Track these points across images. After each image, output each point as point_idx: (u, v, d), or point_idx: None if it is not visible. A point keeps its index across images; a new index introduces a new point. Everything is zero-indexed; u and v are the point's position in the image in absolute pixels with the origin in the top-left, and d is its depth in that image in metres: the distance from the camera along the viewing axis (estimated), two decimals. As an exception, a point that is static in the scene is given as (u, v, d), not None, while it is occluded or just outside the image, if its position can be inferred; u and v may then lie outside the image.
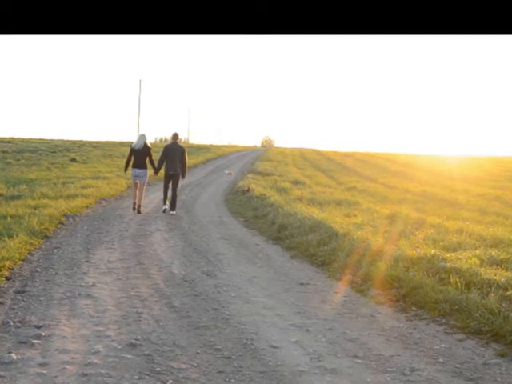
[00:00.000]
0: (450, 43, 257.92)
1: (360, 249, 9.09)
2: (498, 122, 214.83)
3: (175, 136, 15.78)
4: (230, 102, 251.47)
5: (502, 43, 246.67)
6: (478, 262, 7.94)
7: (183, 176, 15.25)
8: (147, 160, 14.90)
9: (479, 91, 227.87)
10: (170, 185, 15.13)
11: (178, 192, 15.43)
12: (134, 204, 14.93)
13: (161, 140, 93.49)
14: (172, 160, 14.88)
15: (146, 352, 5.15)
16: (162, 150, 15.29)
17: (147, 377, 4.62)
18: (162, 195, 15.77)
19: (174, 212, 14.94)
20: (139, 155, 14.75)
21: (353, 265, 8.61)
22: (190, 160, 16.53)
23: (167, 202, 15.21)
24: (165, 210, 15.06)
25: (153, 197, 18.64)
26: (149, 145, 14.96)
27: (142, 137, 15.05)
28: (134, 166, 14.82)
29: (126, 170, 15.60)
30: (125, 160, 15.86)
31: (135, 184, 14.86)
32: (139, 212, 14.71)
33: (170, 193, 15.26)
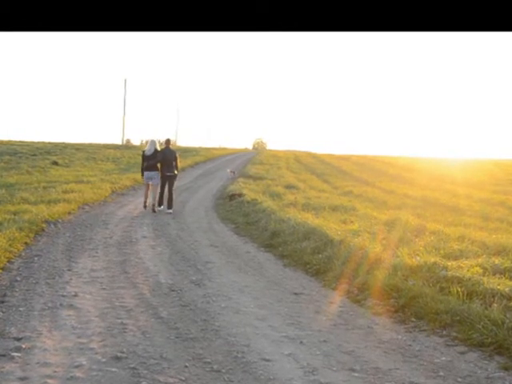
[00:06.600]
0: (452, 43, 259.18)
1: (357, 257, 9.11)
2: (501, 123, 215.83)
3: (168, 141, 17.83)
4: (221, 103, 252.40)
5: (506, 44, 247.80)
6: (480, 270, 7.97)
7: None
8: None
9: (482, 92, 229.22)
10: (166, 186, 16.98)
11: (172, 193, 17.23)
12: (145, 203, 16.94)
13: (147, 142, 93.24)
14: (168, 163, 16.90)
15: (132, 365, 5.15)
16: (158, 154, 16.96)
17: (133, 391, 4.63)
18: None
19: (171, 211, 16.75)
20: (151, 159, 16.89)
21: (349, 273, 8.62)
22: (179, 163, 17.61)
23: (164, 203, 17.10)
24: (153, 210, 16.60)
25: (138, 202, 18.61)
26: (159, 149, 17.15)
27: (153, 143, 17.31)
28: (147, 169, 16.95)
29: (142, 174, 17.35)
30: (140, 166, 18.00)
31: (147, 185, 17.06)
32: (154, 211, 16.53)
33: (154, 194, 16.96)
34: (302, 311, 7.19)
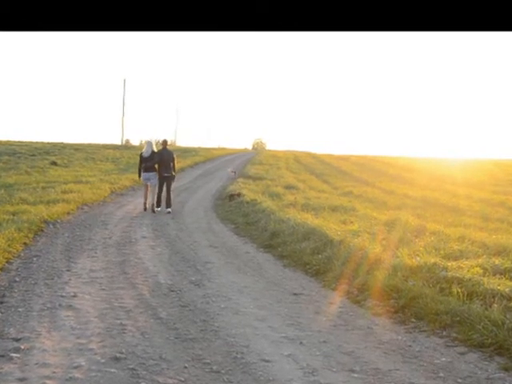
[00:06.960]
0: (452, 43, 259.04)
1: (357, 257, 9.10)
2: (501, 123, 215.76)
3: (165, 142, 17.82)
4: (221, 103, 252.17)
5: (506, 44, 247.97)
6: (480, 271, 7.97)
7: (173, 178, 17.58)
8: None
9: (481, 92, 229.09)
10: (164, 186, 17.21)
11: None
12: (145, 204, 17.10)
13: (146, 143, 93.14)
14: (165, 164, 17.15)
15: (131, 366, 5.15)
16: (155, 155, 17.18)
17: (132, 392, 4.62)
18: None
19: (170, 210, 16.96)
20: (149, 161, 17.07)
21: (349, 274, 8.62)
22: (176, 164, 17.68)
23: (162, 203, 17.14)
24: (153, 210, 16.78)
25: (137, 202, 18.62)
26: (156, 150, 17.33)
27: (150, 144, 17.48)
28: (145, 171, 17.12)
29: (139, 176, 17.47)
30: (137, 167, 17.86)
31: (146, 186, 17.20)
32: (153, 211, 16.65)
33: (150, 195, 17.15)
34: (301, 312, 7.19)
